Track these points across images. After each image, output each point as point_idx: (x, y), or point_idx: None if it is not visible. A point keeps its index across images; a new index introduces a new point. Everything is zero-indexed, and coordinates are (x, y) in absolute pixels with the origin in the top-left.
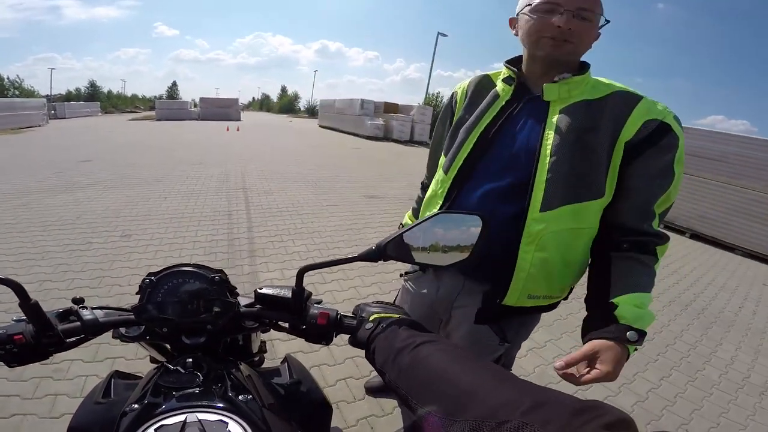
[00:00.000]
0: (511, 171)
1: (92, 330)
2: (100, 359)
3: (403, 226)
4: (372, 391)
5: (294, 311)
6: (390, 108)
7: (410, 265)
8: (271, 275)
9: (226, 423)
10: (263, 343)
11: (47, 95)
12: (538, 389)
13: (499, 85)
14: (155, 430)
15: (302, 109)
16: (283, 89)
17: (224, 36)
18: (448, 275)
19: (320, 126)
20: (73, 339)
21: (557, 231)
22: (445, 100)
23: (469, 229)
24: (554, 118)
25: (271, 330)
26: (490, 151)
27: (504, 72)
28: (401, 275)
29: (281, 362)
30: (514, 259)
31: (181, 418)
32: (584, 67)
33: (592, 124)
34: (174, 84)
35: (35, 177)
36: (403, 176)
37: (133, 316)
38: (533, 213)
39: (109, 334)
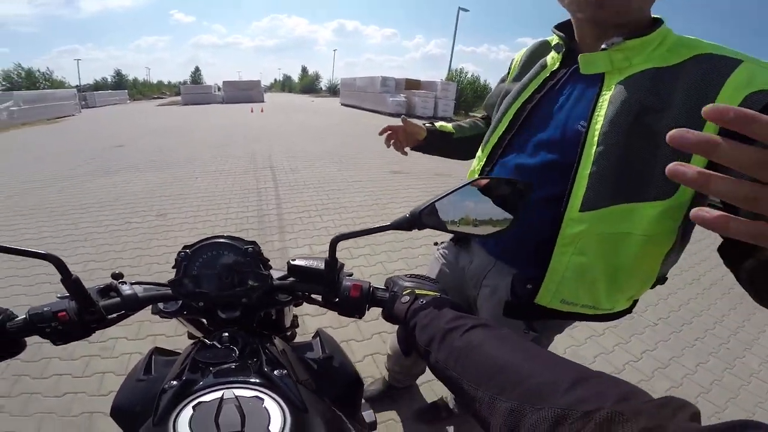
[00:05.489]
0: (545, 151)
1: (131, 305)
2: (142, 337)
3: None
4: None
5: (327, 283)
6: (412, 84)
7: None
8: (301, 250)
9: (262, 399)
10: (295, 317)
11: (77, 86)
12: (578, 369)
13: (551, 54)
14: (193, 407)
15: (323, 88)
16: (304, 70)
17: (240, 20)
18: (480, 250)
19: (342, 104)
20: (114, 315)
21: (601, 234)
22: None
23: (509, 197)
24: (607, 95)
25: (303, 304)
26: (526, 126)
27: (554, 38)
28: (435, 244)
29: (313, 337)
30: (549, 256)
31: (218, 394)
32: (654, 25)
33: (658, 102)
34: (197, 69)
35: (73, 163)
36: None
37: (170, 291)
38: (572, 212)
39: (149, 312)
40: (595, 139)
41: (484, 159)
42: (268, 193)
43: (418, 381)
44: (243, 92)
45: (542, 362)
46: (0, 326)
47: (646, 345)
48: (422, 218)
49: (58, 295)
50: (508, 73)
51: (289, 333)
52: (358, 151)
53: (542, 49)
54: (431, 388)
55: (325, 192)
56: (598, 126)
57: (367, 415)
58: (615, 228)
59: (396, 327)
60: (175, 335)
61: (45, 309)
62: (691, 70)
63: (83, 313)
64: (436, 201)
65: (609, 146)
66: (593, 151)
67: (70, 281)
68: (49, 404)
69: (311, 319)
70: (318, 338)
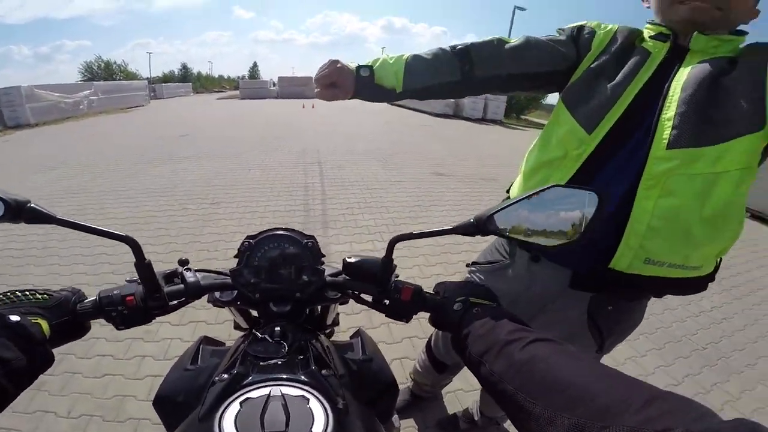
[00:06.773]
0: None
1: (194, 293)
2: (185, 323)
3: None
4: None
5: (380, 284)
6: None
7: (480, 255)
8: (342, 247)
9: (307, 399)
10: (337, 315)
11: (147, 77)
12: (650, 389)
13: (650, 43)
14: (240, 403)
15: None
16: None
17: (296, 16)
18: (547, 271)
19: (389, 103)
20: (175, 302)
21: (692, 174)
22: (570, 27)
23: (581, 207)
24: (688, 67)
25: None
26: (642, 115)
27: (651, 29)
28: (467, 265)
29: (352, 336)
30: (629, 209)
31: (266, 391)
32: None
33: (732, 69)
34: (255, 65)
35: (143, 150)
36: (474, 155)
37: (229, 280)
38: (657, 150)
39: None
40: (679, 87)
41: (594, 145)
42: (315, 189)
43: (444, 390)
44: (297, 88)
45: (612, 381)
46: (71, 307)
47: (690, 369)
48: (488, 224)
49: (127, 279)
50: (582, 40)
51: (328, 331)
52: (402, 150)
53: (633, 37)
54: (456, 397)
55: (369, 190)
56: (682, 80)
57: (394, 419)
58: (708, 168)
59: (426, 338)
60: (215, 323)
61: (114, 292)
62: (751, 49)
63: (148, 299)
64: (504, 208)
65: (694, 92)
66: (677, 96)
67: (144, 264)
68: (87, 385)
69: (344, 318)
70: (359, 338)
